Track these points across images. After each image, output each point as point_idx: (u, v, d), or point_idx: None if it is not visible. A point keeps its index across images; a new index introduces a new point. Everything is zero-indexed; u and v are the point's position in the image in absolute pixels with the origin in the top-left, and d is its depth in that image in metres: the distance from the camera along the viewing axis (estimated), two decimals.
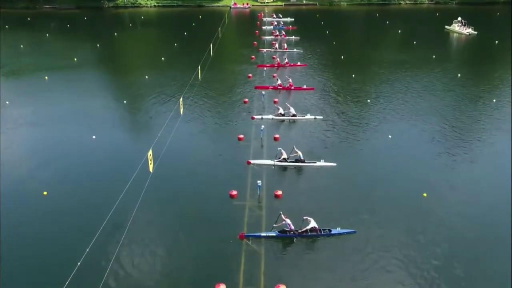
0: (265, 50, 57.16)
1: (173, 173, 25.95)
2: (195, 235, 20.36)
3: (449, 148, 29.22)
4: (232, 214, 21.93)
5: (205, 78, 42.40)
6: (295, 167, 26.57)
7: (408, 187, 24.36)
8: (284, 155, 26.54)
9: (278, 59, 50.61)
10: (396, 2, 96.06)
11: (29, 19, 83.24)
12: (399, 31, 67.82)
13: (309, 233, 20.08)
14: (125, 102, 38.84)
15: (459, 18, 67.76)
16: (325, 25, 74.27)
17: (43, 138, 31.96)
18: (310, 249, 19.74)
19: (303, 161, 26.41)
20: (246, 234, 20.07)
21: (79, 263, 16.22)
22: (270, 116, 34.27)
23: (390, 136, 30.90)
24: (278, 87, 40.89)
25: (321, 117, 34.34)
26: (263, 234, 20.12)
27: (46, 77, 45.97)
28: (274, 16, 79.47)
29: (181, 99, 31.47)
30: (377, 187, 24.29)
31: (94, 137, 31.37)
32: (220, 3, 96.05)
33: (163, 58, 53.36)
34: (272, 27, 71.66)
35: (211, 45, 49.45)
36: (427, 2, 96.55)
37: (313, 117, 34.24)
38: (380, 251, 19.16)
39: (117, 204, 20.00)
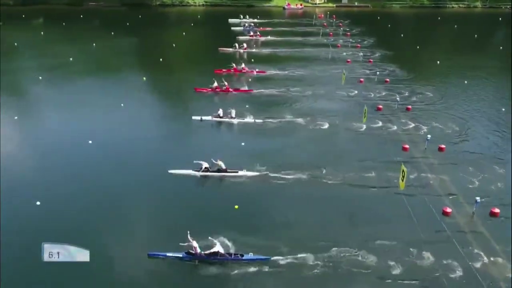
0: (223, 49, 55.62)
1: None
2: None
3: None
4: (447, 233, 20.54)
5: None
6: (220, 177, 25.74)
7: None
8: (206, 165, 25.93)
9: (234, 64, 47.43)
10: (449, 5, 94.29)
11: (81, 16, 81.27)
12: (475, 35, 65.96)
13: (218, 257, 18.82)
14: None
15: None
16: (392, 28, 72.43)
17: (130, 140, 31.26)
18: (213, 272, 18.64)
19: (225, 171, 25.82)
20: (151, 253, 19.24)
21: None
22: (209, 117, 33.87)
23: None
24: (216, 90, 40.50)
25: (260, 120, 33.34)
26: (169, 254, 19.18)
27: (144, 78, 44.54)
28: (241, 17, 77.94)
29: None
30: None
31: None
32: (271, 3, 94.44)
33: None
34: (242, 28, 70.19)
35: None
36: (480, 6, 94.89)
37: (252, 120, 33.56)
38: None
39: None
